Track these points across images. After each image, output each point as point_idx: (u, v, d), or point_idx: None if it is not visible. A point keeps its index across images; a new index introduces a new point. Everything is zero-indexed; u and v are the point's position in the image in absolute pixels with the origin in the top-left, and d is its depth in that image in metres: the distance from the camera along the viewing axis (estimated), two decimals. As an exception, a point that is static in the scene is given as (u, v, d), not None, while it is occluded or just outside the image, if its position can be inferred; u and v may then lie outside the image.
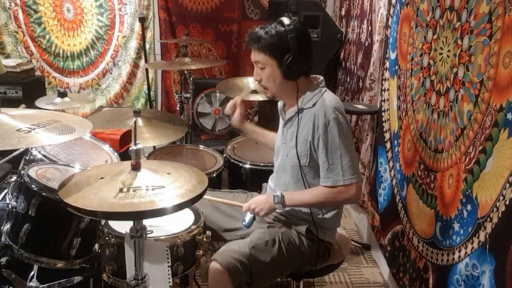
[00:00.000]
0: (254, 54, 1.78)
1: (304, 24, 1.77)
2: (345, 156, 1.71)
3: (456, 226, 1.74)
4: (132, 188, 1.29)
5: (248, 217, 1.88)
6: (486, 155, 1.55)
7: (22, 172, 1.73)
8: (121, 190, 1.28)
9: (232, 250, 1.68)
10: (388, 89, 2.62)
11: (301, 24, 1.75)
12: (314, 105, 1.76)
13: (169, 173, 1.43)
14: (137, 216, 1.32)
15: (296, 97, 1.78)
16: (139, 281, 1.44)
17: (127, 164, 1.40)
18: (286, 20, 1.72)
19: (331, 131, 1.70)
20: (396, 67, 2.46)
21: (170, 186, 1.35)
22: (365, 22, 3.19)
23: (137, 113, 2.40)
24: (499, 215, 1.46)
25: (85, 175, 1.42)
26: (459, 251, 1.71)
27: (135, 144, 1.36)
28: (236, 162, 2.49)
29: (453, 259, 1.76)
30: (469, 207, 1.66)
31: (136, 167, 1.38)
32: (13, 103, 3.30)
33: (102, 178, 1.37)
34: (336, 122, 1.70)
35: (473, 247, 1.61)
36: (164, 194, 1.29)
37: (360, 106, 2.89)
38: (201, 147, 2.84)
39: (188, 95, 3.37)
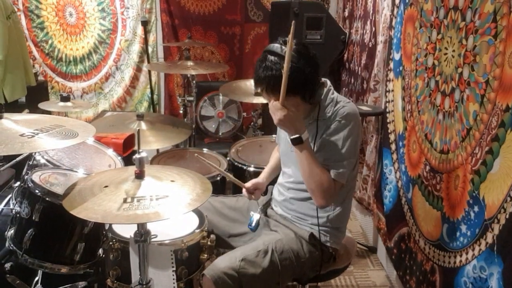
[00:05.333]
0: (268, 96, 1.69)
1: (297, 43, 1.64)
2: (353, 158, 1.70)
3: (463, 227, 1.73)
4: (136, 198, 1.29)
5: (255, 220, 1.86)
6: (493, 155, 1.53)
7: (26, 177, 1.73)
8: (125, 201, 1.28)
9: (221, 264, 1.65)
10: (392, 90, 2.60)
11: (296, 44, 1.63)
12: (331, 112, 1.73)
13: (173, 181, 1.42)
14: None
15: (318, 112, 1.74)
16: (144, 286, 1.44)
17: (131, 170, 1.39)
18: (279, 49, 1.63)
19: (348, 132, 1.68)
20: (401, 68, 2.45)
21: (174, 195, 1.34)
22: (368, 23, 3.17)
23: (140, 117, 2.39)
24: (507, 216, 1.44)
25: (89, 183, 1.41)
26: (467, 253, 1.69)
27: (139, 152, 1.36)
28: (240, 165, 2.48)
29: (461, 261, 1.74)
30: (476, 208, 1.64)
31: (140, 176, 1.37)
32: (16, 108, 3.31)
33: (106, 186, 1.36)
34: (353, 126, 1.69)
35: (480, 249, 1.60)
36: (168, 205, 1.29)
37: (365, 108, 2.87)
38: (205, 150, 2.83)
39: (191, 98, 3.38)
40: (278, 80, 1.59)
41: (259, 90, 1.72)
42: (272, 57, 1.64)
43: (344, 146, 1.68)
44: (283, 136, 1.93)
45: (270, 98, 1.67)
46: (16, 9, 4.25)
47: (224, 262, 1.66)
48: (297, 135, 1.64)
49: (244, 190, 1.95)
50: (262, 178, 2.04)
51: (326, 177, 1.67)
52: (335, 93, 1.79)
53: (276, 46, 1.66)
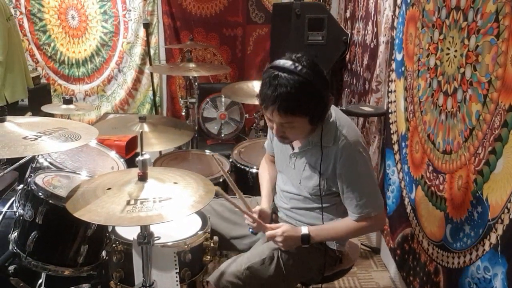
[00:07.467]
0: (278, 116, 1.52)
1: (309, 58, 1.54)
2: (373, 186, 1.67)
3: (467, 228, 1.72)
4: (140, 200, 1.29)
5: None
6: (496, 155, 1.53)
7: (29, 180, 1.73)
8: (128, 203, 1.28)
9: (226, 272, 1.64)
10: (395, 91, 2.60)
11: (308, 57, 1.54)
12: (334, 140, 1.63)
13: (176, 183, 1.42)
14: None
15: (321, 134, 1.63)
16: (147, 288, 1.43)
17: (134, 172, 1.40)
18: (292, 66, 1.48)
19: (357, 165, 1.62)
20: (403, 68, 2.45)
21: (177, 197, 1.34)
22: (370, 23, 3.17)
23: (142, 119, 2.39)
24: (510, 217, 1.44)
25: (92, 185, 1.42)
26: (470, 254, 1.69)
27: (142, 154, 1.36)
28: (242, 167, 2.48)
29: (464, 261, 1.73)
30: (479, 208, 1.63)
31: (142, 178, 1.37)
32: (19, 111, 3.32)
33: (109, 189, 1.37)
34: (361, 156, 1.62)
35: (484, 250, 1.59)
36: (171, 207, 1.29)
37: (367, 108, 2.87)
38: (207, 152, 2.83)
39: (193, 100, 3.38)
40: (293, 98, 1.47)
41: (268, 114, 1.55)
42: (284, 74, 1.48)
43: (364, 182, 1.64)
44: (278, 152, 1.87)
45: (281, 119, 1.53)
46: (18, 13, 4.28)
47: (230, 269, 1.65)
48: (301, 237, 1.66)
49: (246, 218, 1.75)
50: (266, 207, 1.85)
51: (357, 225, 1.67)
52: (333, 113, 1.67)
53: (288, 63, 1.50)
